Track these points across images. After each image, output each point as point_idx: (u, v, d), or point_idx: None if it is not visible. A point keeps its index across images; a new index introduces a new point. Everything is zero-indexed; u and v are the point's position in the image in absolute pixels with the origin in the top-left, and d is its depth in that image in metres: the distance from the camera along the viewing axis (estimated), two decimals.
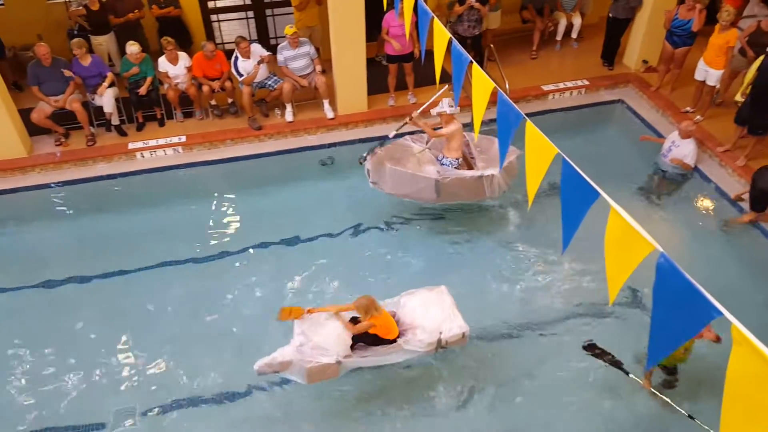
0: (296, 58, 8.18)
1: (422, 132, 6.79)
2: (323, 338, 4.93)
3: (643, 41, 9.23)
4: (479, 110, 3.73)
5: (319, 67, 8.37)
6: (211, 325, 5.95)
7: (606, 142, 8.46)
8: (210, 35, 9.71)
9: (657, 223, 7.01)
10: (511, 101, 3.41)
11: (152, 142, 8.14)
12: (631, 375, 5.17)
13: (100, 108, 8.09)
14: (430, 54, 5.15)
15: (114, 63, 8.93)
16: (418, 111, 6.63)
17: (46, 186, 7.74)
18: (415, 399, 5.34)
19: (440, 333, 5.02)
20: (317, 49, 8.67)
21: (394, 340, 5.07)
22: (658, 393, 5.06)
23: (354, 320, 5.11)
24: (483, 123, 3.85)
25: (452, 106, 6.51)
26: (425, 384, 5.45)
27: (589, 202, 2.92)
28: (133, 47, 7.88)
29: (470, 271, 6.48)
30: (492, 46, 8.75)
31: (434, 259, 6.63)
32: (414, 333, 5.09)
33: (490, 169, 6.58)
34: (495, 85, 3.57)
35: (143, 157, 8.08)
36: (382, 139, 6.83)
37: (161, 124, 8.48)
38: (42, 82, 7.71)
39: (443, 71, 4.57)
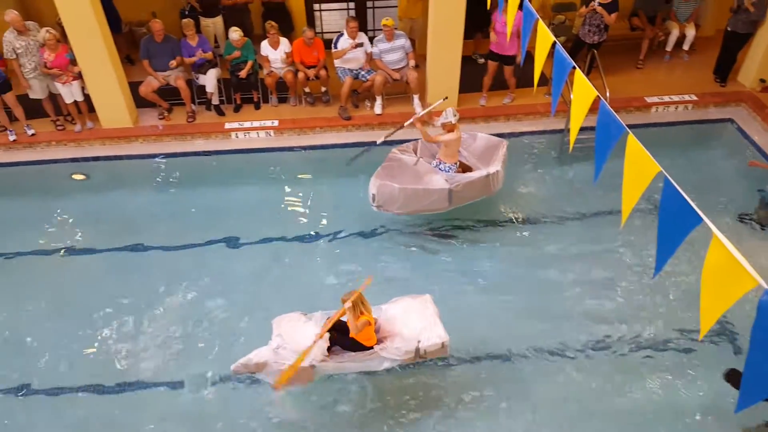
0: (391, 51, 8.20)
1: (408, 140, 6.82)
2: (300, 341, 4.82)
3: (763, 59, 8.58)
4: (578, 118, 3.57)
5: (412, 62, 8.35)
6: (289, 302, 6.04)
7: (711, 163, 7.93)
8: (311, 23, 9.92)
9: (761, 257, 6.49)
10: (613, 112, 3.24)
11: (247, 124, 8.43)
12: None
13: (203, 87, 8.46)
14: (530, 56, 4.99)
15: (219, 45, 9.30)
16: (419, 114, 6.66)
17: (148, 156, 8.20)
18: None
19: (418, 342, 4.87)
20: (413, 42, 8.64)
21: (372, 347, 4.94)
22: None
23: (338, 326, 4.92)
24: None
25: (456, 115, 6.42)
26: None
27: (689, 227, 2.75)
28: (234, 33, 8.17)
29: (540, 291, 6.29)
30: (595, 51, 8.40)
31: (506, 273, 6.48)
32: (392, 340, 4.96)
33: (493, 166, 6.63)
34: (597, 93, 3.41)
35: (237, 137, 8.39)
36: (369, 146, 6.85)
37: (257, 107, 8.76)
38: (152, 56, 8.16)
39: (541, 75, 4.43)
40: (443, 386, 5.41)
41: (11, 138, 8.20)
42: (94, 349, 5.79)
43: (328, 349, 4.95)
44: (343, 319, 4.94)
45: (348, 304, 4.69)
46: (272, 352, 4.87)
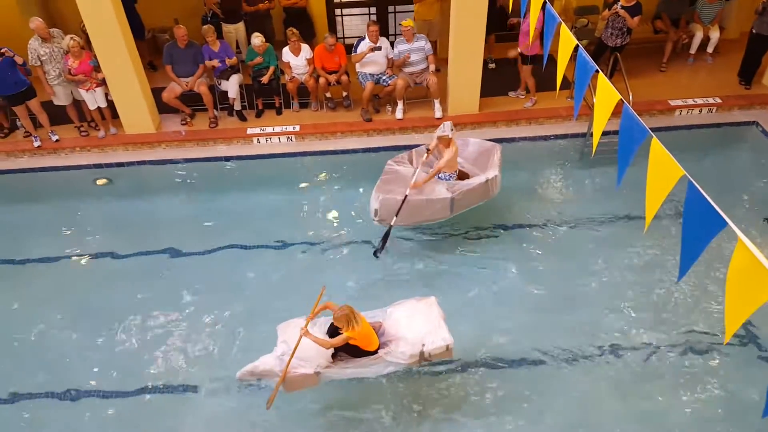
0: (410, 52, 8.20)
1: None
2: (304, 348, 4.80)
3: None
4: (601, 122, 3.53)
5: (432, 66, 8.35)
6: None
7: (735, 166, 7.80)
8: (333, 29, 9.97)
9: None
10: (636, 116, 3.20)
11: (269, 129, 8.49)
12: None
13: (225, 93, 8.54)
14: (552, 59, 4.96)
15: (241, 50, 9.39)
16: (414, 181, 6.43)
17: (170, 161, 8.30)
18: None
19: (423, 345, 4.83)
20: (434, 43, 8.62)
21: (375, 352, 4.90)
22: None
23: (334, 329, 4.93)
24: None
25: (453, 129, 6.38)
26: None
27: (713, 231, 2.71)
28: (256, 39, 8.24)
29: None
30: (618, 55, 8.32)
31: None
32: (397, 344, 4.92)
33: (490, 170, 6.62)
34: (621, 97, 3.37)
35: (259, 142, 8.45)
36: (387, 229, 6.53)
37: (278, 112, 8.82)
38: (175, 62, 8.26)
39: (563, 78, 4.39)
40: (472, 389, 5.40)
41: (36, 144, 8.36)
42: (113, 354, 5.86)
43: (333, 355, 4.94)
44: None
45: (339, 313, 4.69)
46: (277, 359, 4.87)
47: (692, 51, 9.41)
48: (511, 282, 6.34)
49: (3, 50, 7.52)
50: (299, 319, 5.06)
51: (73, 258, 6.94)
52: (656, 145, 2.99)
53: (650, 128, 3.12)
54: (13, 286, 6.63)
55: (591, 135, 8.03)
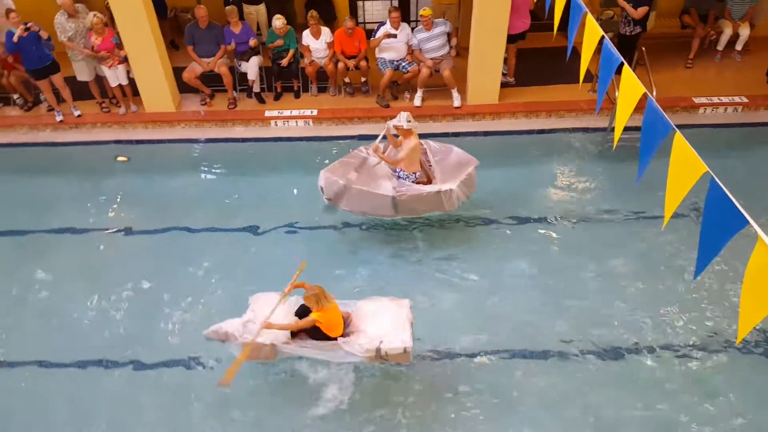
0: (430, 39, 8.14)
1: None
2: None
3: None
4: (623, 116, 3.48)
5: (453, 52, 8.27)
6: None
7: (759, 167, 7.65)
8: (354, 13, 9.91)
9: None
10: (661, 110, 3.15)
11: (286, 112, 8.49)
12: None
13: (245, 74, 8.55)
14: (575, 51, 4.89)
15: (262, 32, 9.37)
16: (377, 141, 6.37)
17: (188, 141, 8.34)
18: None
19: (381, 342, 4.83)
20: (455, 30, 8.55)
21: (335, 339, 4.96)
22: None
23: (303, 310, 5.04)
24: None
25: (410, 121, 6.17)
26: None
27: (734, 230, 2.68)
28: (277, 21, 8.21)
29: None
30: (643, 49, 8.18)
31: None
32: (357, 336, 4.96)
33: (449, 183, 6.25)
34: (645, 90, 3.31)
35: (276, 125, 8.46)
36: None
37: (297, 96, 8.81)
38: (196, 42, 8.28)
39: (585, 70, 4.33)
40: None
41: (58, 118, 8.45)
42: (125, 326, 5.96)
43: (293, 333, 5.01)
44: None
45: (310, 293, 4.77)
46: (241, 324, 5.01)
47: (720, 48, 9.22)
48: (522, 275, 6.29)
49: (30, 25, 7.58)
50: (273, 293, 5.13)
51: (91, 231, 7.02)
52: (679, 140, 2.95)
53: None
54: (33, 255, 6.73)
55: (612, 129, 7.94)
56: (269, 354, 5.04)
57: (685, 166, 2.93)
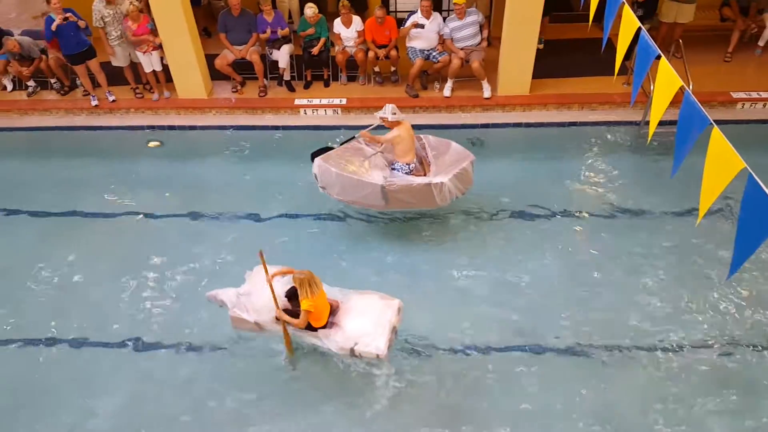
0: (462, 28, 8.08)
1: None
2: (258, 299, 5.15)
3: None
4: (659, 109, 3.42)
5: (484, 43, 8.20)
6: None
7: None
8: (385, 2, 9.87)
9: None
10: (698, 103, 3.08)
11: (316, 101, 8.53)
12: None
13: (275, 62, 8.59)
14: (610, 42, 4.80)
15: (293, 21, 9.40)
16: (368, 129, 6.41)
17: (219, 127, 8.44)
18: None
19: (355, 344, 4.88)
20: (488, 20, 8.46)
21: (317, 329, 5.02)
22: None
23: (292, 292, 5.14)
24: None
25: (395, 113, 6.13)
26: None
27: None
28: (309, 10, 8.23)
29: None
30: (680, 41, 8.00)
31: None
32: (336, 331, 4.99)
33: (440, 176, 6.13)
34: (683, 83, 3.24)
35: (306, 113, 8.50)
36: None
37: (326, 84, 8.83)
38: (229, 30, 8.35)
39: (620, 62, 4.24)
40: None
41: (93, 103, 8.62)
42: (146, 308, 6.07)
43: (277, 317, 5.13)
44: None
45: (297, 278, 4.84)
46: (235, 296, 5.27)
47: (761, 43, 8.95)
48: (549, 269, 6.24)
49: (68, 15, 7.76)
50: (271, 267, 5.18)
51: (123, 215, 7.16)
52: (717, 134, 2.89)
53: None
54: (64, 236, 6.90)
55: (646, 122, 7.79)
56: (254, 328, 5.26)
57: (721, 162, 2.86)
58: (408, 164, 6.37)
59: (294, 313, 5.09)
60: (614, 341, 5.56)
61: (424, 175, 6.39)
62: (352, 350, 4.91)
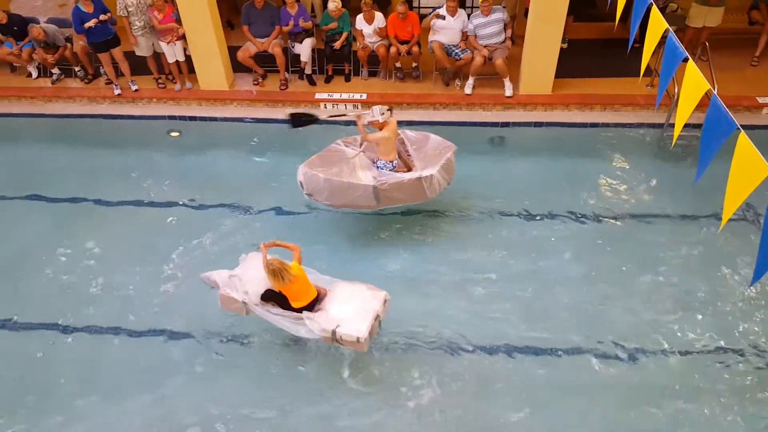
0: (487, 25, 8.04)
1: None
2: (249, 281, 5.26)
3: None
4: (684, 112, 3.37)
5: (508, 42, 8.15)
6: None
7: None
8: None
9: None
10: (725, 107, 3.03)
11: (336, 95, 8.53)
12: None
13: (297, 56, 8.61)
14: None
15: (316, 14, 9.41)
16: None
17: (239, 120, 8.49)
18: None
19: (337, 326, 4.90)
20: (512, 19, 8.41)
21: (300, 311, 5.06)
22: None
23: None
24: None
25: (383, 114, 6.06)
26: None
27: None
28: (332, 4, 8.23)
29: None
30: (707, 44, 7.88)
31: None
32: (319, 315, 5.03)
33: (429, 169, 6.15)
34: (710, 87, 3.19)
35: (326, 107, 8.51)
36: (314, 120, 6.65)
37: (347, 79, 8.84)
38: (252, 22, 8.38)
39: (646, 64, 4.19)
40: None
41: (116, 92, 8.71)
42: (169, 296, 6.14)
43: (265, 299, 5.19)
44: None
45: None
46: (228, 278, 5.32)
47: None
48: (568, 271, 6.18)
49: (102, 17, 7.92)
50: (259, 255, 5.31)
51: (142, 204, 7.23)
52: (743, 140, 2.84)
53: None
54: (84, 223, 7.00)
55: (670, 126, 7.69)
56: (241, 309, 5.29)
57: (747, 168, 2.82)
58: (392, 161, 6.34)
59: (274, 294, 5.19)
60: (635, 344, 5.51)
61: (408, 170, 6.38)
62: (333, 333, 4.93)
